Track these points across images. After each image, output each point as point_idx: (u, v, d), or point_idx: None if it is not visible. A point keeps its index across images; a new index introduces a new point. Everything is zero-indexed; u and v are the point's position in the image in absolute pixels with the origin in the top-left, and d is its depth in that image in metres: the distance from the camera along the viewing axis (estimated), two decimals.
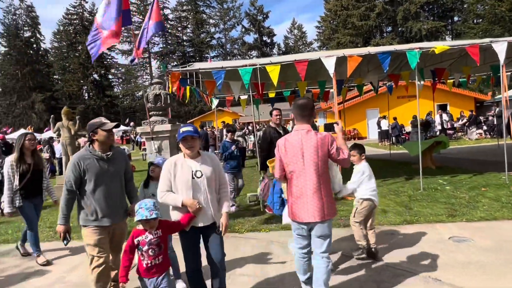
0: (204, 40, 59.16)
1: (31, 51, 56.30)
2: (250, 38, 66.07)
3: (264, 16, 60.88)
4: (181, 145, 2.85)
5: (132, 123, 40.96)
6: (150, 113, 6.17)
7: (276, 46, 63.15)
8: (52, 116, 9.31)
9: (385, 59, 6.87)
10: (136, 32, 7.51)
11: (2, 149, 8.19)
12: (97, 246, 3.03)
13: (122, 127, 37.62)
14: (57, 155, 12.49)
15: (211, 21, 61.18)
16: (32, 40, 56.87)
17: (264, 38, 61.77)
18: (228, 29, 61.07)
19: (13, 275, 4.31)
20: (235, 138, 7.46)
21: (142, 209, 2.63)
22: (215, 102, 10.35)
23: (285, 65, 7.16)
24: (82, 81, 55.37)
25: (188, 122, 39.21)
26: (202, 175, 2.83)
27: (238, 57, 60.30)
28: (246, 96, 10.91)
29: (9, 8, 54.46)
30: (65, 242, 3.14)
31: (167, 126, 5.99)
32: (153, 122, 5.99)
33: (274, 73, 6.93)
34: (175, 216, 2.88)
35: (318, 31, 58.73)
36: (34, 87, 53.25)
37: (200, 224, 2.85)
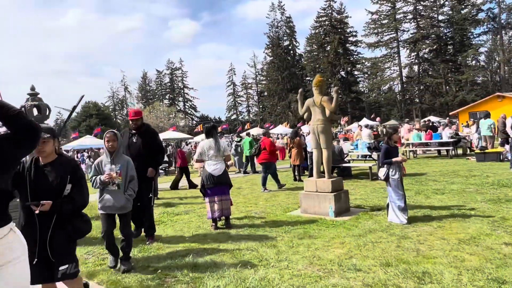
0: (468, 16, 48.56)
1: (289, 57, 63.87)
2: None
3: None
4: None
5: (378, 118, 38.78)
6: None
7: None
8: (300, 90, 7.23)
9: None
10: None
11: None
12: None
13: (368, 121, 35.51)
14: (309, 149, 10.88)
15: None
16: (290, 47, 64.64)
17: None
18: None
19: None
20: None
21: None
22: None
23: None
24: (330, 80, 57.47)
25: (448, 115, 32.66)
26: None
27: None
28: None
29: (273, 22, 63.67)
30: None
31: None
32: None
33: None
34: None
35: None
36: (290, 89, 59.79)
37: None
